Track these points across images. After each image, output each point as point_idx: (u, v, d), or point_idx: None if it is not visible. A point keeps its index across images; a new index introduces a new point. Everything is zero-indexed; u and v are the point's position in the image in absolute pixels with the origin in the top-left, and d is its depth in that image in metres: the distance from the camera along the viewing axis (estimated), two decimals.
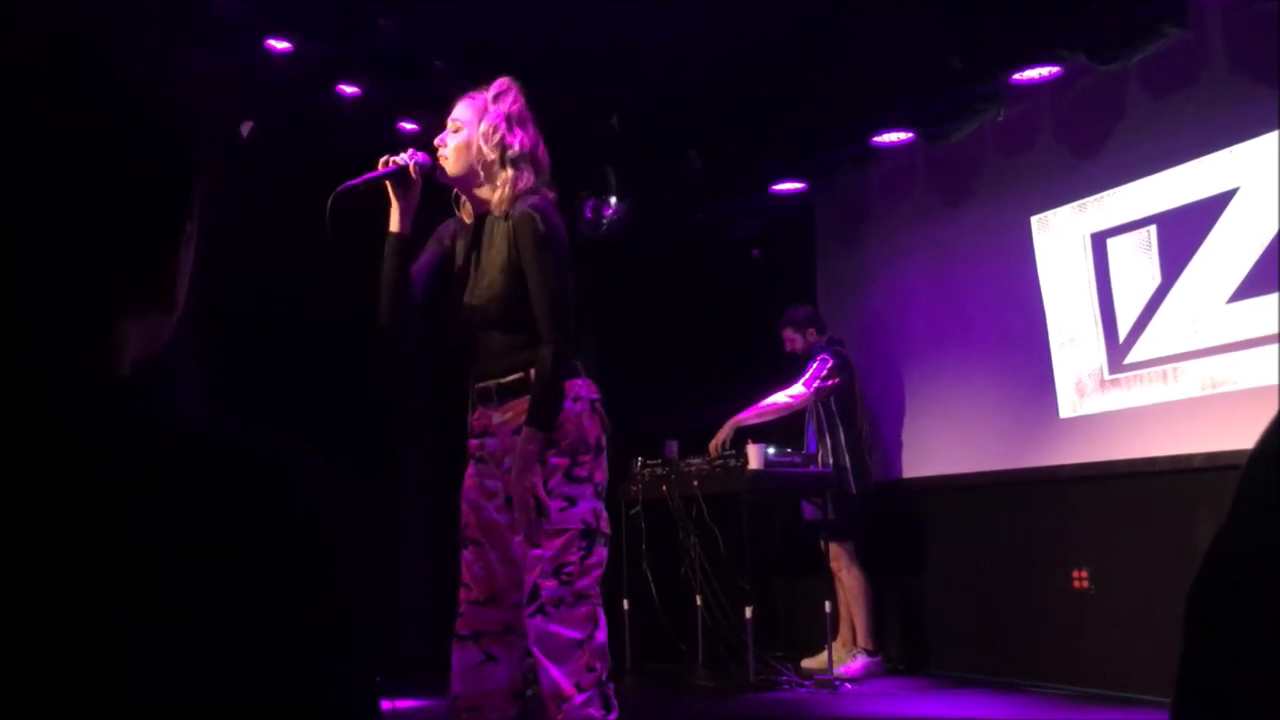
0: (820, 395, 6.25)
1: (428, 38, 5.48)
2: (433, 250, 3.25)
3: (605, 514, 3.11)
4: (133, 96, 0.76)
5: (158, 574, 0.67)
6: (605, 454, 3.13)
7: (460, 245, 3.24)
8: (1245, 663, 0.66)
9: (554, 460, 3.02)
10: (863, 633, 6.22)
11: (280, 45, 5.31)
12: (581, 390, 3.09)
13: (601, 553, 3.06)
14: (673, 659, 6.53)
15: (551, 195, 3.20)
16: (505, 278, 3.08)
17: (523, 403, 3.05)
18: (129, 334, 0.78)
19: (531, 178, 3.14)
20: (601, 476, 3.11)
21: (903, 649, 6.50)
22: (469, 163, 3.14)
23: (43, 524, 0.66)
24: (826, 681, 5.88)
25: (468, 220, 3.24)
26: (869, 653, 6.20)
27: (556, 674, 2.93)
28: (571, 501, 3.02)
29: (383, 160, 3.11)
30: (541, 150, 3.20)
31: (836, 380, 6.25)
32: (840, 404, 6.29)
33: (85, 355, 0.75)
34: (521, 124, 3.16)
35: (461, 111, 3.17)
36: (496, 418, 3.11)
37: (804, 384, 6.25)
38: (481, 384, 3.15)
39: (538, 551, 2.98)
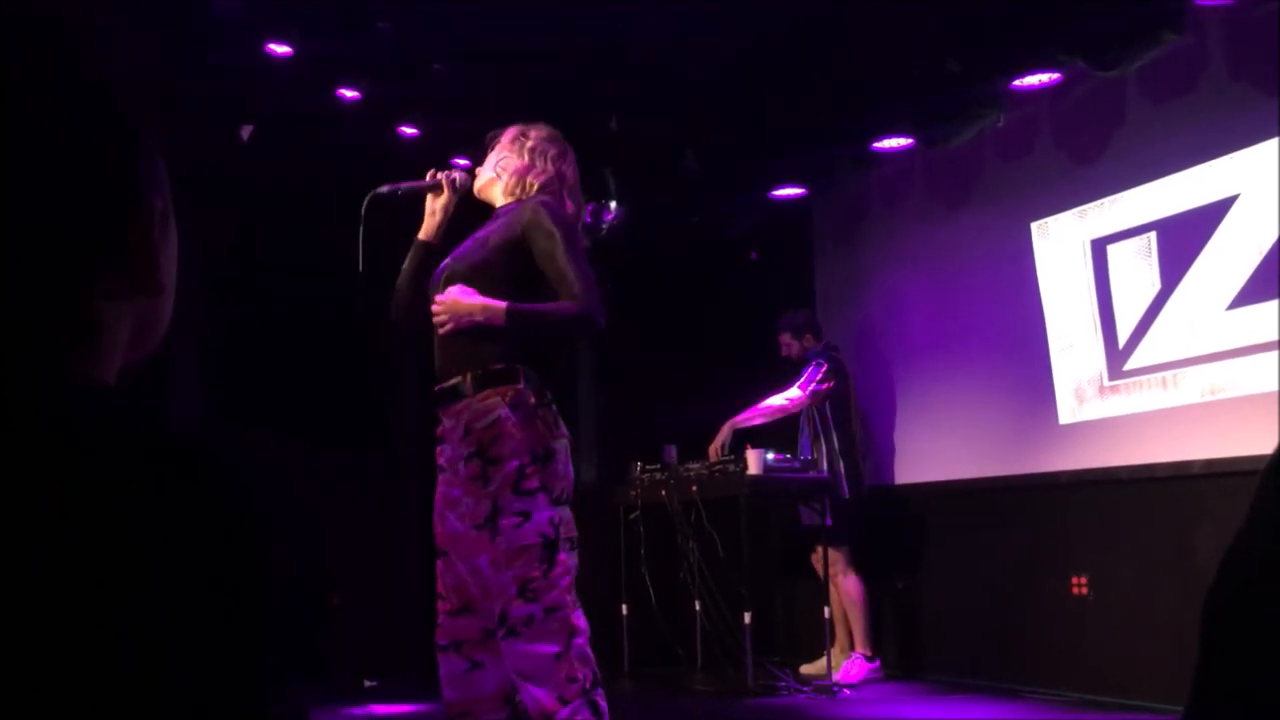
0: (816, 400, 6.25)
1: (427, 41, 5.47)
2: None
3: (568, 518, 2.98)
4: (62, 73, 0.75)
5: (88, 575, 0.66)
6: (562, 455, 3.00)
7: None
8: (1262, 670, 0.66)
9: (498, 475, 2.92)
10: (860, 638, 6.22)
11: (280, 49, 5.31)
12: (520, 397, 2.96)
13: (566, 560, 2.94)
14: (671, 663, 6.53)
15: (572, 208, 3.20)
16: (494, 253, 3.05)
17: (461, 407, 2.98)
18: (116, 318, 0.77)
19: (556, 190, 3.18)
20: (558, 481, 2.97)
21: (902, 654, 6.49)
22: (497, 182, 3.23)
23: None
24: (825, 687, 5.87)
25: None
26: (867, 658, 6.19)
27: (538, 693, 2.86)
28: (525, 516, 2.91)
29: (430, 173, 3.24)
30: (570, 168, 3.24)
31: (831, 384, 6.27)
32: (835, 409, 6.31)
33: (64, 343, 0.74)
34: (554, 147, 3.23)
35: (503, 139, 3.26)
36: (447, 423, 3.05)
37: (800, 388, 6.25)
38: (436, 387, 3.09)
39: (501, 573, 2.90)
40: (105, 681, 0.65)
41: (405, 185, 3.20)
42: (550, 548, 2.92)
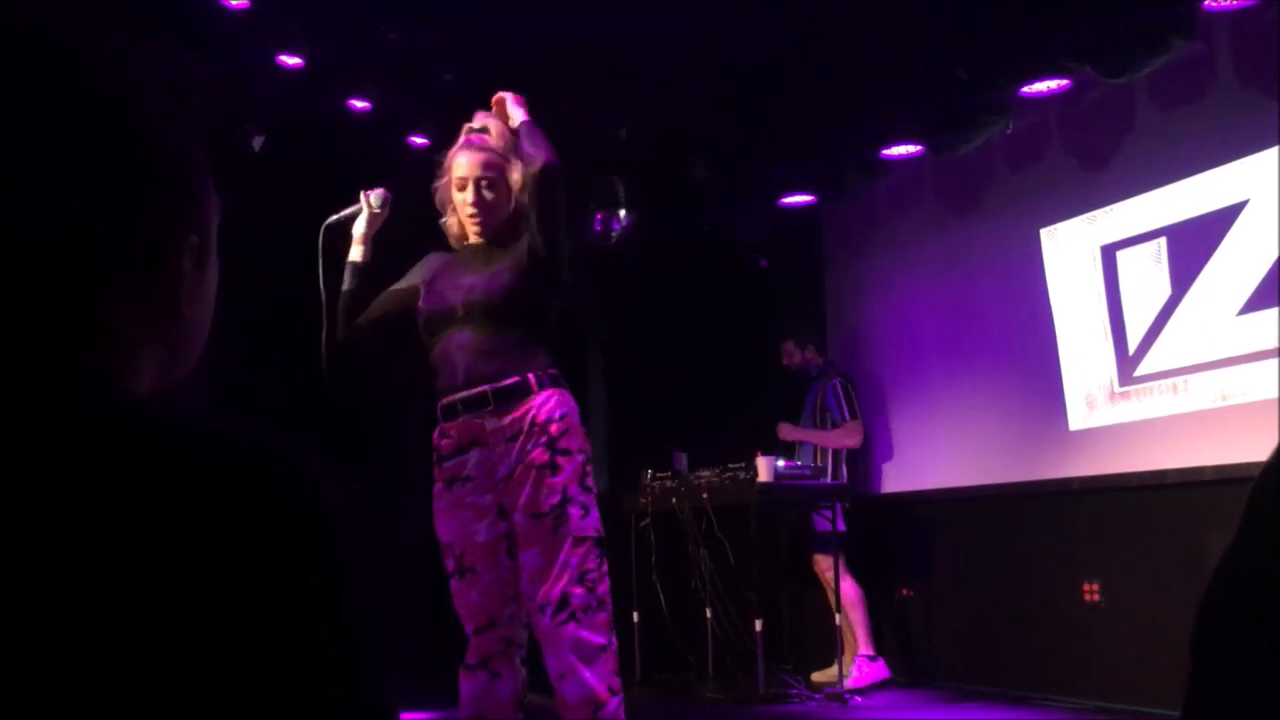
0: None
1: (437, 51, 5.49)
2: (392, 300, 3.28)
3: None
4: (111, 98, 0.76)
5: (156, 575, 0.67)
6: None
7: (452, 259, 3.28)
8: (1254, 683, 0.66)
9: (569, 466, 3.02)
10: (862, 638, 6.24)
11: (291, 60, 5.33)
12: (574, 403, 3.13)
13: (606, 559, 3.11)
14: (682, 671, 6.52)
15: None
16: (513, 274, 3.11)
17: (523, 407, 3.02)
18: (140, 342, 0.78)
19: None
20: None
21: (913, 661, 6.48)
22: (504, 216, 3.21)
23: (41, 527, 0.66)
24: (837, 694, 5.87)
25: (458, 244, 3.30)
26: (870, 658, 6.21)
27: (590, 678, 2.94)
28: (586, 510, 3.03)
29: (362, 195, 3.27)
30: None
31: (856, 400, 6.47)
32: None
33: (84, 356, 0.75)
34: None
35: (478, 168, 3.19)
36: (490, 424, 3.05)
37: (848, 417, 6.41)
38: (468, 391, 3.07)
39: (564, 558, 2.98)
40: (187, 682, 0.66)
41: (345, 212, 3.25)
42: (601, 544, 3.05)
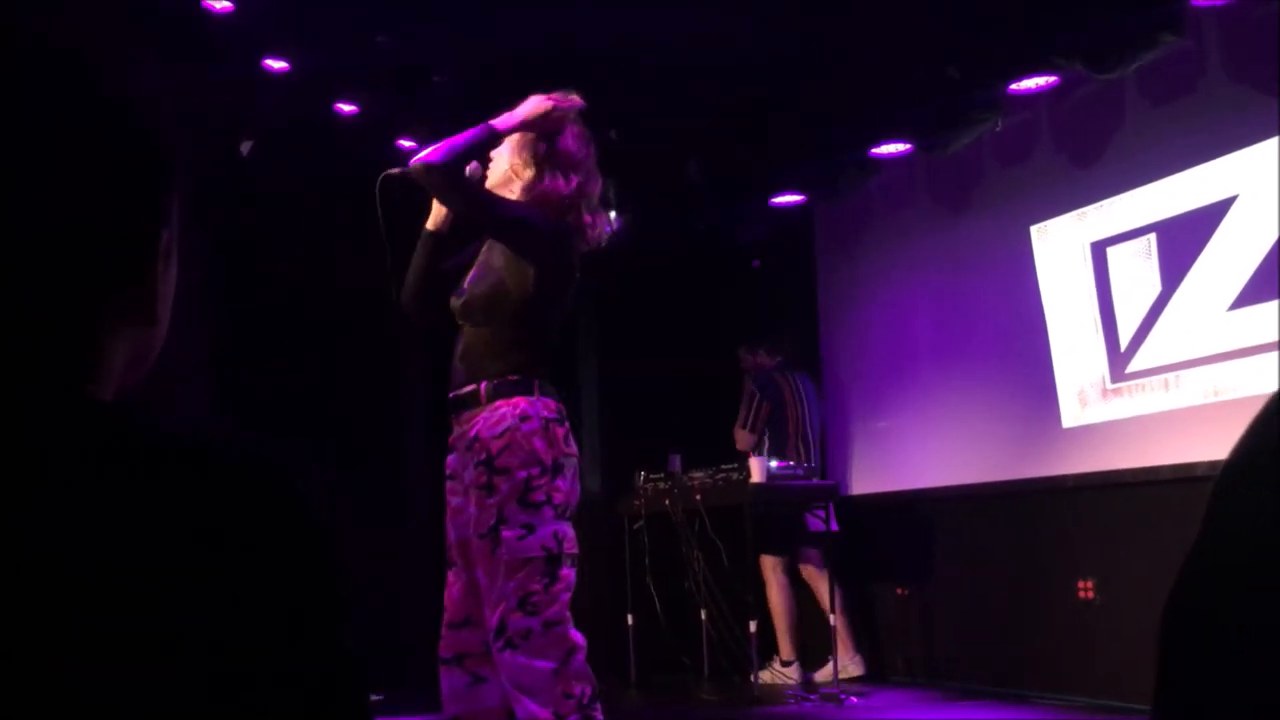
0: (759, 430, 6.48)
1: (426, 53, 5.48)
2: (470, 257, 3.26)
3: (571, 534, 2.97)
4: (103, 100, 0.76)
5: (149, 582, 0.67)
6: (569, 471, 2.99)
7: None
8: (1220, 680, 0.66)
9: (505, 485, 2.90)
10: (783, 646, 6.30)
11: (278, 64, 5.31)
12: (532, 409, 2.96)
13: (568, 575, 2.93)
14: (678, 672, 6.52)
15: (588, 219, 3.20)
16: (500, 274, 3.06)
17: (474, 414, 2.99)
18: (114, 345, 0.78)
19: (566, 185, 3.21)
20: (562, 497, 2.95)
21: (908, 661, 6.48)
22: (505, 178, 3.20)
23: (37, 533, 0.66)
24: (832, 694, 5.86)
25: None
26: (786, 663, 6.23)
27: (534, 708, 2.85)
28: (529, 529, 2.89)
29: None
30: (586, 156, 3.29)
31: (765, 409, 6.48)
32: (772, 430, 6.47)
33: (69, 363, 0.75)
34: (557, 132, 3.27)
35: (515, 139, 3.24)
36: (456, 430, 3.06)
37: (743, 427, 6.51)
38: (450, 394, 3.10)
39: (501, 584, 2.89)
40: (188, 694, 0.66)
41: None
42: (553, 562, 2.90)
